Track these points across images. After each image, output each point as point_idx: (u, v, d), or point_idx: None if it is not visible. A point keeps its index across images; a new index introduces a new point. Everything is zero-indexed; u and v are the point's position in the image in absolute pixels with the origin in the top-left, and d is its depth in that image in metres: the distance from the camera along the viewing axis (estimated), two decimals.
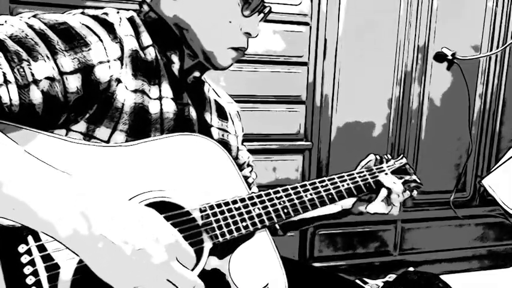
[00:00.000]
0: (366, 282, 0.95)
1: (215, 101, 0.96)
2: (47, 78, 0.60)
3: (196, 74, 0.86)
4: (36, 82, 0.59)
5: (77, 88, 0.63)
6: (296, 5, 1.80)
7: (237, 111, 1.04)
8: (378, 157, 1.02)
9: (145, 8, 0.80)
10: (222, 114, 0.96)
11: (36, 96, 0.59)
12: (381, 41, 1.98)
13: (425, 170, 2.08)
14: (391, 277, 0.93)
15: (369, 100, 2.02)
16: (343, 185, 0.90)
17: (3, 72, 0.56)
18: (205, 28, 0.78)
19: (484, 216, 2.28)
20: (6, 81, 0.56)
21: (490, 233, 2.32)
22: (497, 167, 1.25)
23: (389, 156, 1.04)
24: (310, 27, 1.85)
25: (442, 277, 0.92)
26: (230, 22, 0.78)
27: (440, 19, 2.02)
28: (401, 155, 1.06)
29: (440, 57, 2.05)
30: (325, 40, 1.91)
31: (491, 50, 2.11)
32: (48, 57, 0.60)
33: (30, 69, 0.58)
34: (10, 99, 0.56)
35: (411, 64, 2.04)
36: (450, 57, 2.02)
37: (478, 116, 2.19)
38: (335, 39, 1.92)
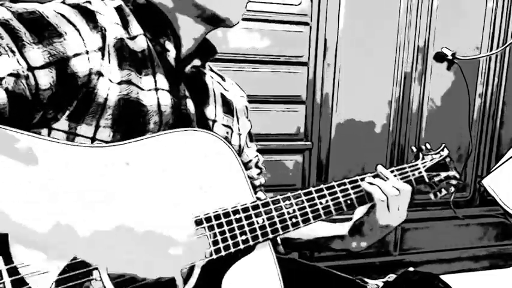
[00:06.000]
0: (366, 282, 0.94)
1: (221, 94, 0.88)
2: (11, 75, 0.54)
3: (197, 62, 0.79)
4: None
5: (50, 84, 0.58)
6: (296, 5, 1.80)
7: (246, 106, 0.96)
8: (415, 149, 0.93)
9: None
10: (228, 109, 0.88)
11: None
12: (381, 41, 1.98)
13: None
14: (391, 277, 0.92)
15: (369, 100, 2.02)
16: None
17: None
18: None
19: (484, 216, 2.28)
20: None
21: (490, 233, 2.31)
22: (497, 167, 1.25)
23: (429, 147, 0.93)
24: (310, 27, 1.85)
25: (442, 277, 0.91)
26: None
27: (440, 19, 2.02)
28: (443, 145, 0.94)
29: (440, 57, 2.04)
30: (325, 40, 1.90)
31: (491, 50, 2.10)
32: (13, 51, 0.54)
33: None
34: None
35: (411, 64, 2.04)
36: (450, 57, 2.02)
37: (478, 116, 2.19)
38: (335, 39, 1.92)
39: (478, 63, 2.12)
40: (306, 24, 1.83)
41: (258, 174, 0.96)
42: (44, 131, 0.61)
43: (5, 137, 0.54)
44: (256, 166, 0.96)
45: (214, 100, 0.85)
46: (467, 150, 2.16)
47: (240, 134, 0.92)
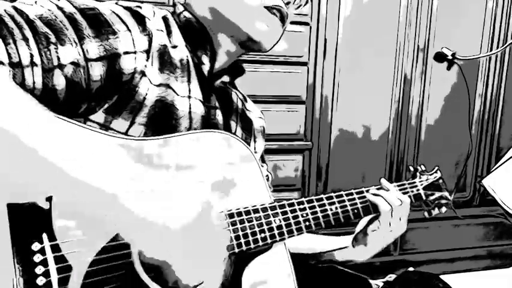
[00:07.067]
0: None
1: (243, 112, 0.94)
2: (72, 63, 0.59)
3: (226, 78, 0.85)
4: (61, 67, 0.58)
5: (100, 76, 0.62)
6: None
7: (263, 127, 1.02)
8: (412, 169, 0.99)
9: (180, 7, 0.79)
10: (247, 127, 0.94)
11: (59, 81, 0.58)
12: (381, 41, 1.98)
13: None
14: (391, 277, 0.92)
15: (369, 100, 2.02)
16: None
17: (31, 53, 0.55)
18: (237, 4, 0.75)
19: (484, 216, 2.28)
20: (32, 63, 0.55)
21: (490, 233, 2.32)
22: (497, 167, 1.25)
23: (424, 168, 1.00)
24: (310, 27, 1.85)
25: (442, 277, 0.91)
26: None
27: (440, 19, 2.02)
28: (436, 168, 1.01)
29: (440, 57, 2.03)
30: (325, 40, 1.91)
31: (491, 50, 2.11)
32: (75, 42, 0.60)
33: (57, 53, 0.58)
34: (33, 82, 0.56)
35: (411, 64, 2.04)
36: (450, 57, 2.01)
37: (478, 116, 2.19)
38: (335, 39, 1.92)
39: (478, 63, 2.12)
40: (306, 24, 1.83)
41: None
42: (79, 121, 0.65)
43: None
44: None
45: (236, 116, 0.90)
46: (467, 150, 2.16)
47: (255, 153, 0.96)
